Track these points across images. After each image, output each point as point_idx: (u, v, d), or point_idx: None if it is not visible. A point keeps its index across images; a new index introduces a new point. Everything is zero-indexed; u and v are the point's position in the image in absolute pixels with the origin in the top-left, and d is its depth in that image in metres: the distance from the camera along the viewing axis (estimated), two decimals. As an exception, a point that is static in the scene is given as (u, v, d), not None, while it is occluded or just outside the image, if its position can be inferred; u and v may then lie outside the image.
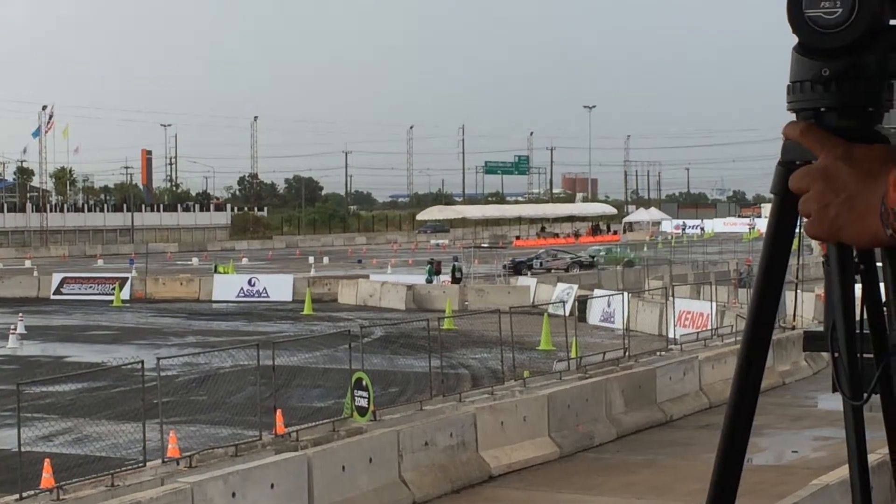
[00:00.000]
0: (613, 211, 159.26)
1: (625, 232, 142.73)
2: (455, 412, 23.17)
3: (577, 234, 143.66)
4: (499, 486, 21.33)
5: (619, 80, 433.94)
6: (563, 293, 48.32)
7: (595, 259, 78.10)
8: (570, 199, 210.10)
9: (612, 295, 44.26)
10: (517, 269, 72.69)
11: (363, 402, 22.39)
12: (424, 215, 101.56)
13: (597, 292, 48.10)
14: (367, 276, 64.74)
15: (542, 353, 36.42)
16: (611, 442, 24.93)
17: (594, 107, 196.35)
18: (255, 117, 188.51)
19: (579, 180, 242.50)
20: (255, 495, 17.62)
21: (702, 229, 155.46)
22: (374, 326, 41.23)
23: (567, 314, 37.68)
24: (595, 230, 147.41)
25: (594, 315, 44.95)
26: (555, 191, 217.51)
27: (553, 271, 71.22)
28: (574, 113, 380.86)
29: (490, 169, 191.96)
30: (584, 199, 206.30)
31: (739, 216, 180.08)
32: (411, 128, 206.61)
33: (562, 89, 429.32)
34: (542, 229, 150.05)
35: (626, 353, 31.16)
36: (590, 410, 25.19)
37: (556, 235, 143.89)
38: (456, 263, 60.62)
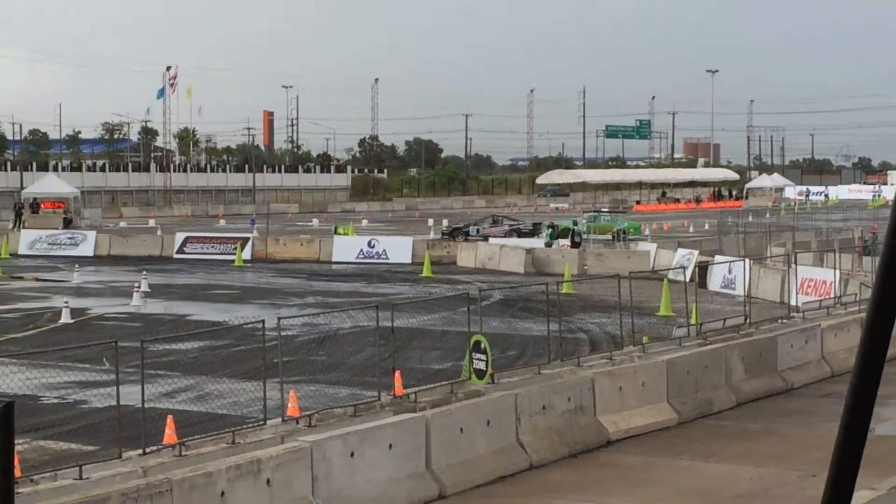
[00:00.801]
0: (735, 176, 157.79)
1: (746, 198, 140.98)
2: (573, 376, 23.09)
3: (698, 200, 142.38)
4: (616, 452, 21.24)
5: (742, 44, 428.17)
6: (683, 259, 47.92)
7: (538, 227, 73.66)
8: (692, 164, 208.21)
9: (734, 261, 43.76)
10: (453, 234, 71.59)
11: (481, 365, 22.39)
12: (544, 179, 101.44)
13: (718, 258, 47.63)
14: (485, 239, 64.73)
15: (661, 319, 36.17)
16: (730, 409, 24.69)
17: (717, 71, 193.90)
18: (376, 79, 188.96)
19: (701, 145, 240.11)
20: (373, 455, 17.72)
21: (826, 196, 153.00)
22: (493, 289, 41.26)
23: (687, 280, 37.33)
24: (717, 196, 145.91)
25: (715, 281, 44.54)
26: (676, 156, 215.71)
27: (490, 239, 68.58)
28: (696, 77, 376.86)
29: (611, 133, 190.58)
30: (706, 165, 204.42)
31: (864, 183, 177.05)
32: (532, 91, 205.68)
33: (684, 53, 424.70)
34: (663, 194, 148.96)
35: (747, 320, 30.79)
36: (709, 377, 24.97)
37: (678, 201, 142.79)
38: (575, 227, 60.28)
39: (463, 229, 73.50)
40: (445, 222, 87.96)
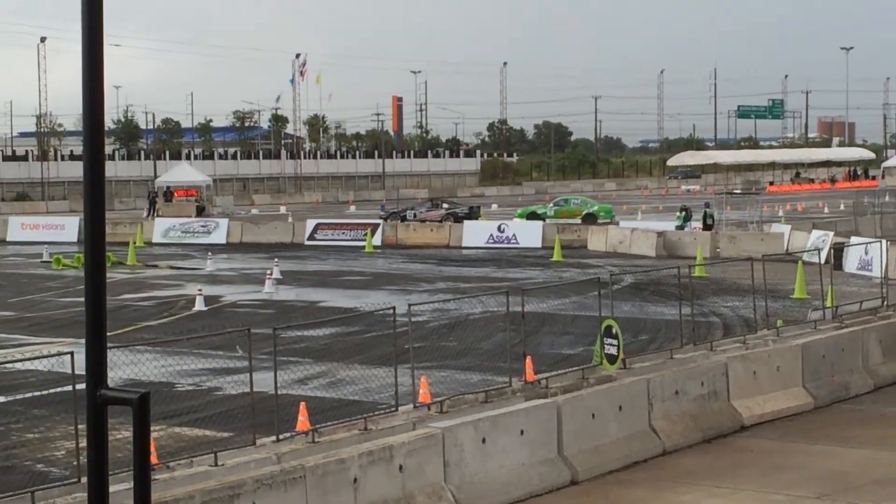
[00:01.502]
0: (871, 156, 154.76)
1: (883, 177, 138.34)
2: (706, 361, 22.82)
3: (833, 180, 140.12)
4: (751, 437, 20.95)
5: (877, 20, 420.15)
6: (818, 240, 47.14)
7: (475, 211, 74.60)
8: (826, 143, 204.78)
9: (870, 242, 42.92)
10: (390, 218, 72.85)
11: (613, 350, 22.22)
12: (675, 161, 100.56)
13: (853, 240, 46.78)
14: (616, 223, 64.36)
15: (796, 302, 35.63)
16: (867, 393, 24.25)
17: (851, 48, 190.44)
18: (505, 63, 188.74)
19: (836, 124, 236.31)
20: (505, 441, 17.68)
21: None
22: (624, 273, 40.99)
23: (822, 262, 36.71)
24: (852, 176, 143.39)
25: (850, 263, 43.73)
26: (810, 135, 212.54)
27: (427, 222, 69.27)
28: (830, 55, 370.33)
29: (743, 113, 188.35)
30: (841, 144, 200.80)
31: None
32: (662, 72, 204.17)
33: (817, 31, 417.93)
34: (797, 175, 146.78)
35: (885, 303, 30.17)
36: (845, 361, 24.54)
37: (812, 181, 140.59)
38: (707, 210, 59.70)
39: (400, 213, 74.85)
40: (385, 206, 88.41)
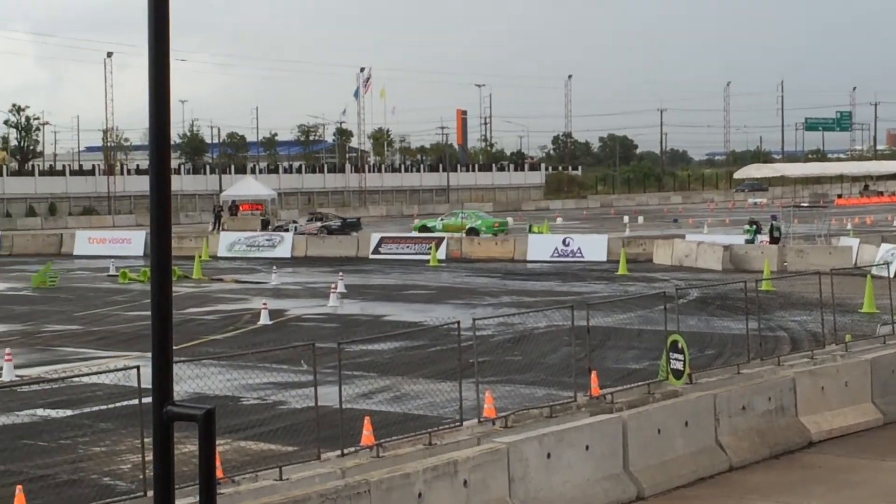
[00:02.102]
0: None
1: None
2: (773, 376, 22.60)
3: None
4: (819, 453, 20.72)
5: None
6: (887, 254, 46.69)
7: (350, 221, 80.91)
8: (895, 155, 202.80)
9: (940, 256, 42.45)
10: (275, 230, 77.19)
11: (679, 365, 22.06)
12: (741, 173, 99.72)
13: (923, 253, 46.26)
14: (682, 236, 64.05)
15: (864, 316, 35.25)
16: (938, 409, 23.92)
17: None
18: (570, 76, 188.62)
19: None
20: (570, 456, 17.58)
21: None
22: (690, 287, 40.73)
23: (891, 276, 36.35)
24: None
25: (920, 276, 43.25)
26: (879, 147, 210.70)
27: (307, 235, 72.74)
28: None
29: (810, 125, 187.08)
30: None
31: None
32: (728, 84, 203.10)
33: (887, 42, 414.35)
34: (866, 187, 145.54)
35: (955, 317, 29.78)
36: (916, 376, 24.22)
37: (881, 194, 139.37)
38: (774, 223, 59.24)
39: (284, 227, 79.98)
40: (285, 216, 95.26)
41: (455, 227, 76.24)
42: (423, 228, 79.37)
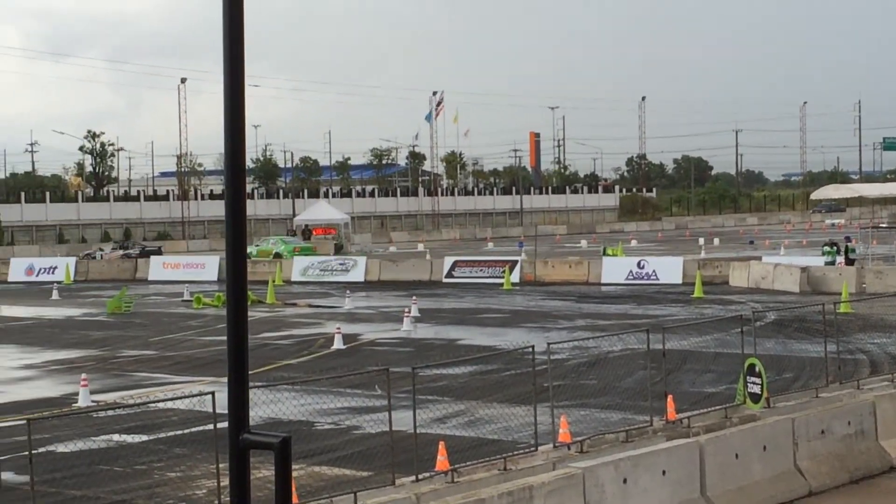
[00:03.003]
0: None
1: None
2: (853, 400, 22.29)
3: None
4: (900, 478, 20.39)
5: None
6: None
7: (150, 249, 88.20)
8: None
9: None
10: (85, 258, 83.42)
11: (756, 389, 21.80)
12: (818, 194, 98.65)
13: None
14: (759, 258, 63.50)
15: (945, 339, 34.70)
16: None
17: None
18: (643, 97, 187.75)
19: None
20: (646, 481, 17.39)
21: None
22: (768, 310, 40.34)
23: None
24: None
25: None
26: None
27: (110, 262, 79.78)
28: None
29: (889, 145, 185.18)
30: None
31: None
32: (804, 104, 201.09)
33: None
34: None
35: None
36: None
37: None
38: (848, 244, 58.53)
39: (91, 254, 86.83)
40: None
41: (265, 253, 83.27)
42: (126, 255, 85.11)
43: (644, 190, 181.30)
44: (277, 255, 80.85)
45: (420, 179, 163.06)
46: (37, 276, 73.70)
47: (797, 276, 53.00)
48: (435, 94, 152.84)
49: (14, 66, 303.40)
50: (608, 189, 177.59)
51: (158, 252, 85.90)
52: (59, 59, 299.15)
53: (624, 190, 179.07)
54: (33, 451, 15.80)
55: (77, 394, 28.06)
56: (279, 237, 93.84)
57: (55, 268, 74.56)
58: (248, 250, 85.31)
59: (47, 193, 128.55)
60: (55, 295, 59.75)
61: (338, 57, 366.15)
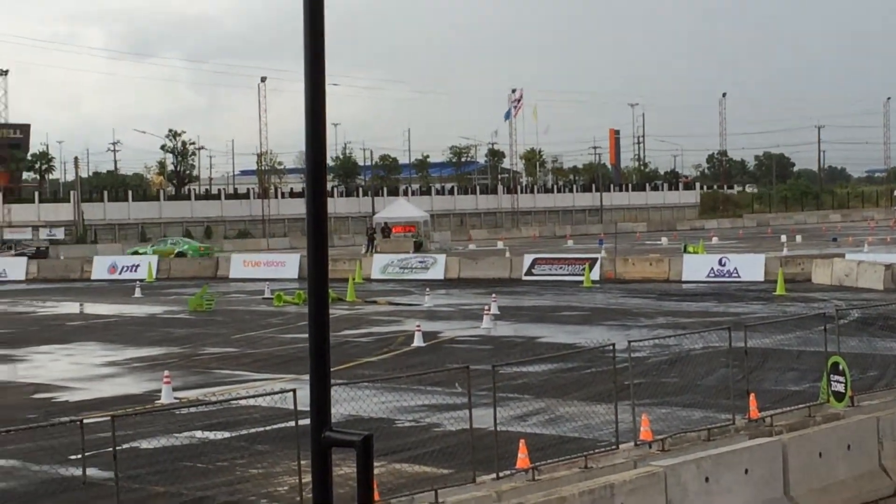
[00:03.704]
0: None
1: None
2: (939, 398, 22.01)
3: None
4: None
5: None
6: None
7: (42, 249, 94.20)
8: None
9: None
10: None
11: (840, 387, 21.57)
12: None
13: None
14: (842, 255, 62.84)
15: None
16: None
17: None
18: (724, 94, 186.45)
19: None
20: (728, 480, 17.24)
21: None
22: (851, 308, 39.90)
23: None
24: None
25: None
26: None
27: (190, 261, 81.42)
28: None
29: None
30: None
31: None
32: (888, 99, 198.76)
33: None
34: None
35: None
36: None
37: None
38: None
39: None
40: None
41: (164, 252, 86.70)
42: (135, 253, 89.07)
43: (725, 187, 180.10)
44: (181, 254, 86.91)
45: (499, 177, 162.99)
46: (119, 274, 74.47)
47: (881, 274, 52.36)
48: (514, 91, 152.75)
49: (97, 66, 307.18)
50: (689, 186, 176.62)
51: (45, 254, 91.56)
52: (141, 59, 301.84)
53: (705, 187, 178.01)
54: (117, 448, 15.96)
55: (160, 391, 28.33)
56: (179, 238, 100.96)
57: (137, 266, 75.28)
58: (143, 250, 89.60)
59: (129, 192, 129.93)
60: (137, 293, 60.34)
61: (417, 54, 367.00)
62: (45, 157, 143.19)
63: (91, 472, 16.09)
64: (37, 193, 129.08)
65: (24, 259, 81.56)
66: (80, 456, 15.79)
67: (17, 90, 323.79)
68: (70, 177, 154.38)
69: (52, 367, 34.81)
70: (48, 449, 21.24)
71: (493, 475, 17.52)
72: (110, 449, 15.89)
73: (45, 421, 24.25)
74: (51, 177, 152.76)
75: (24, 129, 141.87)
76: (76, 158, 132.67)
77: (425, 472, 19.59)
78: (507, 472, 17.69)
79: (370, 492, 5.17)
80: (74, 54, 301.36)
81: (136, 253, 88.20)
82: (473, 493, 16.68)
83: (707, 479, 16.99)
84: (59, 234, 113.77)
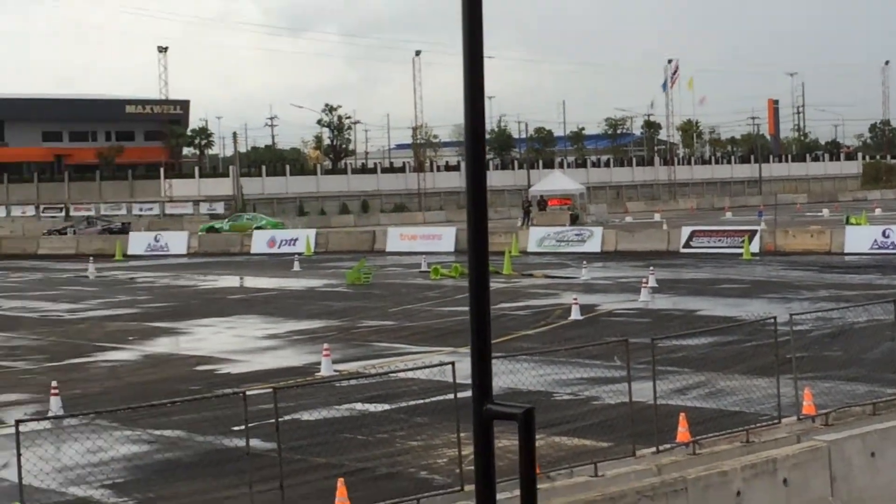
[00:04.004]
0: None
1: None
2: None
3: None
4: None
5: None
6: None
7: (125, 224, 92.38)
8: None
9: None
10: (58, 232, 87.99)
11: None
12: None
13: None
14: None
15: None
16: None
17: None
18: (886, 62, 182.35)
19: None
20: (894, 456, 16.91)
21: None
22: None
23: None
24: None
25: None
26: None
27: (86, 236, 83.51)
28: None
29: None
30: None
31: None
32: None
33: None
34: None
35: None
36: None
37: None
38: None
39: (61, 231, 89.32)
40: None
41: (241, 228, 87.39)
42: (211, 229, 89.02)
43: (888, 157, 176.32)
44: (259, 229, 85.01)
45: (656, 149, 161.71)
46: (278, 248, 75.52)
47: None
48: (670, 62, 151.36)
49: (254, 42, 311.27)
50: (850, 156, 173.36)
51: (126, 229, 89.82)
52: (297, 34, 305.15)
53: (867, 157, 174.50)
54: (279, 419, 16.17)
55: (319, 363, 28.65)
56: (255, 214, 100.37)
57: (296, 240, 76.24)
58: (219, 225, 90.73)
59: (287, 166, 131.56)
60: (296, 266, 61.09)
61: (571, 26, 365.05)
62: (204, 132, 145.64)
63: (254, 443, 16.33)
64: (197, 169, 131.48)
65: (186, 233, 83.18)
66: (242, 427, 16.01)
67: (176, 67, 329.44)
68: (229, 152, 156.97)
69: (213, 340, 35.42)
70: (212, 420, 21.64)
71: (653, 449, 17.41)
72: (272, 420, 16.11)
73: (209, 392, 24.70)
74: (210, 152, 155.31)
75: (184, 105, 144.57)
76: (234, 133, 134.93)
77: (584, 445, 19.52)
78: (667, 446, 17.56)
79: (532, 465, 5.15)
80: (232, 30, 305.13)
81: (211, 229, 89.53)
82: (633, 466, 16.59)
83: (873, 455, 16.69)
84: (219, 208, 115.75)
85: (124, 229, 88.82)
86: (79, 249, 78.41)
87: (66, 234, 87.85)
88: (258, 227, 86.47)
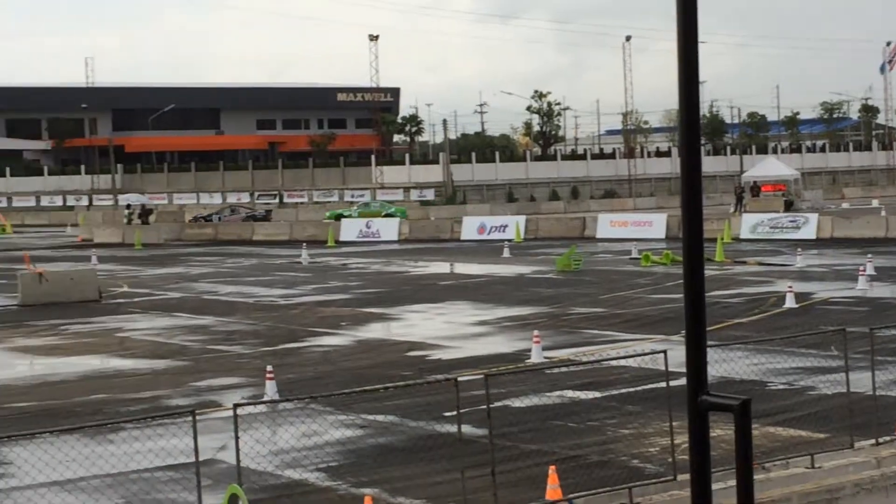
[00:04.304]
0: None
1: None
2: None
3: None
4: None
5: None
6: None
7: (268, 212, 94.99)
8: None
9: None
10: (198, 220, 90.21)
11: None
12: None
13: None
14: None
15: None
16: None
17: None
18: None
19: None
20: None
21: None
22: None
23: None
24: None
25: None
26: None
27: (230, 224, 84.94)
28: None
29: None
30: None
31: None
32: None
33: None
34: None
35: None
36: None
37: None
38: None
39: (206, 218, 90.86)
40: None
41: (370, 214, 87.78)
42: (339, 217, 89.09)
43: None
44: (389, 216, 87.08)
45: (874, 133, 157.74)
46: (488, 234, 75.79)
47: None
48: (889, 44, 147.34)
49: (465, 29, 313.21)
50: None
51: (269, 217, 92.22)
52: (506, 20, 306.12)
53: None
54: (490, 406, 16.24)
55: (530, 350, 28.67)
56: (381, 200, 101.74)
57: (505, 226, 76.41)
58: (347, 213, 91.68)
59: (496, 153, 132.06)
60: (506, 253, 61.23)
61: (785, 9, 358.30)
62: (414, 119, 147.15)
63: (465, 428, 16.42)
64: (407, 156, 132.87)
65: (397, 220, 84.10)
66: (454, 413, 16.12)
67: (387, 55, 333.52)
68: (439, 139, 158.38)
69: (424, 326, 35.71)
70: (424, 405, 21.85)
71: (872, 441, 17.00)
72: (483, 406, 16.18)
73: (421, 378, 24.94)
74: (420, 139, 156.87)
75: (395, 92, 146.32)
76: (444, 121, 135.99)
77: (800, 435, 19.15)
78: (888, 438, 17.13)
79: (749, 458, 5.09)
80: (441, 18, 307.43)
81: (339, 216, 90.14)
82: (851, 458, 16.23)
83: None
84: (429, 194, 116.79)
85: (266, 217, 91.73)
86: (292, 236, 79.91)
87: (210, 220, 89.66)
88: (388, 215, 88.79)
